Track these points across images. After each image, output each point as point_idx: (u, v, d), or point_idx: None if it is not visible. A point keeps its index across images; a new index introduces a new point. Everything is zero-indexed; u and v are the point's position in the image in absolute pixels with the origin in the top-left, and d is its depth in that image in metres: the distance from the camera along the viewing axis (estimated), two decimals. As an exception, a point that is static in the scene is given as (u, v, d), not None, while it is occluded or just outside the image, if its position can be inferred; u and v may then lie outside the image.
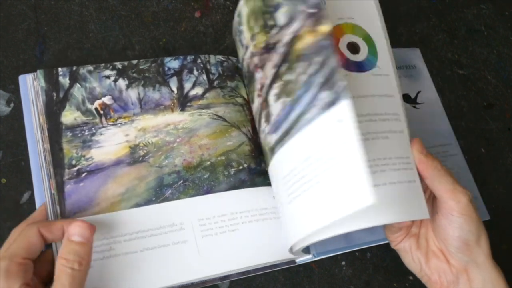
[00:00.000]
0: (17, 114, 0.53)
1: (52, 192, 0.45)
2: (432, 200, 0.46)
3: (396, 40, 0.67)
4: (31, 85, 0.49)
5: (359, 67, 0.45)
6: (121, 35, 0.59)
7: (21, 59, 0.55)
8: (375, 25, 0.47)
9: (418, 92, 0.62)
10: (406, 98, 0.61)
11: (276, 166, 0.47)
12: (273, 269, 0.52)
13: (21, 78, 0.50)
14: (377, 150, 0.42)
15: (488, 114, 0.66)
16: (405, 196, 0.43)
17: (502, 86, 0.67)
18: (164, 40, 0.60)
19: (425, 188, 0.45)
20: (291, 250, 0.48)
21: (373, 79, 0.45)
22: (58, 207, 0.44)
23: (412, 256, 0.48)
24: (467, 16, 0.71)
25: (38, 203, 0.47)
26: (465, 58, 0.68)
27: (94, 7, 0.60)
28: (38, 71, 0.49)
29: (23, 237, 0.40)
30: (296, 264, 0.52)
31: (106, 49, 0.58)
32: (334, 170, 0.39)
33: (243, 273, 0.50)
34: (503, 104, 0.66)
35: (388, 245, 0.56)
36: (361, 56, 0.45)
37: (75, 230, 0.41)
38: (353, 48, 0.45)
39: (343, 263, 0.55)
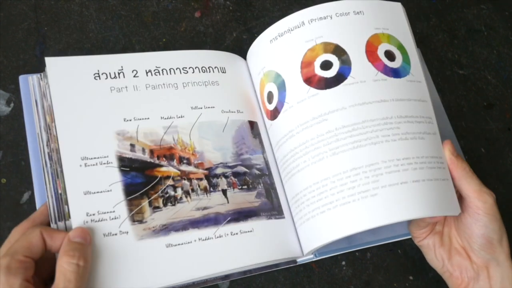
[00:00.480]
0: (17, 114, 0.53)
1: (59, 192, 0.45)
2: (458, 200, 0.49)
3: (396, 40, 0.67)
4: (34, 85, 0.48)
5: (396, 73, 0.49)
6: (121, 35, 0.59)
7: (21, 59, 0.55)
8: (407, 36, 0.51)
9: (418, 92, 0.62)
10: (406, 98, 0.61)
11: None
12: (273, 269, 0.52)
13: (21, 78, 0.50)
14: (415, 148, 0.46)
15: (488, 114, 0.66)
16: (439, 193, 0.46)
17: (502, 86, 0.67)
18: (164, 40, 0.60)
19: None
20: (302, 251, 0.50)
21: (409, 85, 0.49)
22: (66, 207, 0.44)
23: (435, 253, 0.51)
24: (467, 16, 0.71)
25: (38, 203, 0.47)
26: (465, 58, 0.68)
27: (94, 7, 0.60)
28: (46, 58, 0.48)
29: (26, 237, 0.41)
30: (297, 264, 0.52)
31: (106, 49, 0.58)
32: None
33: (243, 272, 0.50)
34: (503, 104, 0.66)
35: (388, 245, 0.56)
36: (397, 63, 0.50)
37: (76, 233, 0.42)
38: (390, 55, 0.50)
39: (343, 263, 0.55)
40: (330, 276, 0.54)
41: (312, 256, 0.52)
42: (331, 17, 0.50)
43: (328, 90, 0.48)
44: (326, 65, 0.49)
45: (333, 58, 0.49)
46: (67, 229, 0.44)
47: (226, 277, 0.50)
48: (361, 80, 0.48)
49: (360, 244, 0.53)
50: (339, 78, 0.48)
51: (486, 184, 0.60)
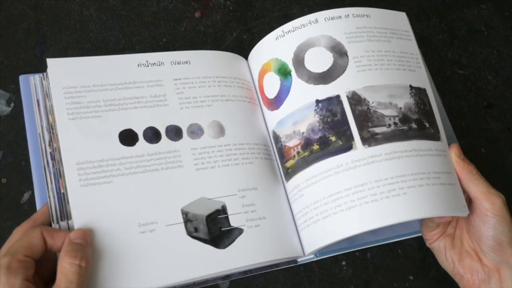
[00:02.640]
0: (17, 114, 0.53)
1: (62, 191, 0.45)
2: (467, 202, 0.49)
3: (396, 40, 0.67)
4: (36, 85, 0.48)
5: None
6: (121, 35, 0.59)
7: (21, 59, 0.55)
8: None
9: (418, 92, 0.62)
10: (406, 98, 0.61)
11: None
12: (273, 269, 0.52)
13: (21, 78, 0.50)
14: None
15: (488, 114, 0.66)
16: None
17: (502, 86, 0.67)
18: (164, 40, 0.60)
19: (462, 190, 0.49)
20: (304, 252, 0.50)
21: None
22: (69, 206, 0.44)
23: (445, 255, 0.51)
24: (467, 16, 0.71)
25: (38, 203, 0.47)
26: (465, 58, 0.68)
27: (94, 7, 0.60)
28: (47, 60, 0.48)
29: (26, 237, 0.41)
30: (297, 264, 0.52)
31: (106, 49, 0.58)
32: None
33: (243, 272, 0.50)
34: (503, 104, 0.66)
35: (388, 245, 0.56)
36: None
37: (77, 234, 0.42)
38: None
39: (344, 263, 0.55)
40: (330, 276, 0.54)
41: (312, 256, 0.52)
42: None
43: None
44: None
45: None
46: (69, 229, 0.44)
47: (226, 277, 0.50)
48: None
49: (361, 244, 0.53)
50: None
51: (486, 184, 0.60)
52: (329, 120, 0.48)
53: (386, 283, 0.55)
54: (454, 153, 0.49)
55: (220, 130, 0.51)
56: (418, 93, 0.50)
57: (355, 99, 0.48)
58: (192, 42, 0.61)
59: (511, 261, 0.47)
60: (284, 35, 0.52)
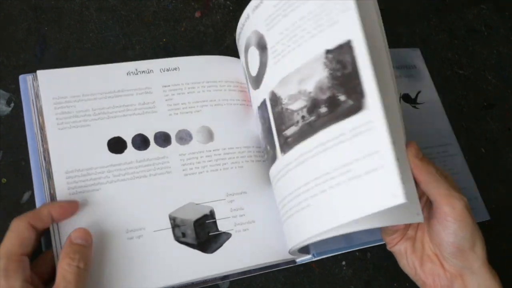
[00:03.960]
0: (17, 114, 0.53)
1: (52, 192, 0.45)
2: (428, 205, 0.46)
3: (396, 40, 0.67)
4: (31, 86, 0.49)
5: None
6: (121, 35, 0.59)
7: (22, 59, 0.55)
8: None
9: (418, 92, 0.62)
10: (406, 98, 0.61)
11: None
12: (273, 269, 0.52)
13: (21, 78, 0.50)
14: None
15: (488, 114, 0.66)
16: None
17: (502, 86, 0.67)
18: (164, 40, 0.60)
19: (422, 193, 0.44)
20: (289, 250, 0.49)
21: None
22: None
23: (407, 260, 0.48)
24: (467, 16, 0.71)
25: (38, 203, 0.47)
26: (465, 58, 0.68)
27: (94, 7, 0.60)
28: (37, 72, 0.49)
29: (15, 233, 0.40)
30: (297, 264, 0.52)
31: (106, 49, 0.58)
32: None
33: (243, 272, 0.50)
34: (503, 104, 0.66)
35: (388, 245, 0.56)
36: None
37: (78, 233, 0.42)
38: None
39: (343, 263, 0.55)
40: (330, 276, 0.54)
41: (311, 256, 0.52)
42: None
43: None
44: None
45: None
46: (59, 230, 0.44)
47: (226, 277, 0.50)
48: None
49: (360, 244, 0.53)
50: None
51: (486, 184, 0.60)
52: (264, 127, 0.48)
53: (386, 283, 0.55)
54: (411, 152, 0.43)
55: (209, 135, 0.51)
56: (337, 55, 0.40)
57: (273, 100, 0.45)
58: (192, 42, 0.61)
59: (475, 266, 0.43)
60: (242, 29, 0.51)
